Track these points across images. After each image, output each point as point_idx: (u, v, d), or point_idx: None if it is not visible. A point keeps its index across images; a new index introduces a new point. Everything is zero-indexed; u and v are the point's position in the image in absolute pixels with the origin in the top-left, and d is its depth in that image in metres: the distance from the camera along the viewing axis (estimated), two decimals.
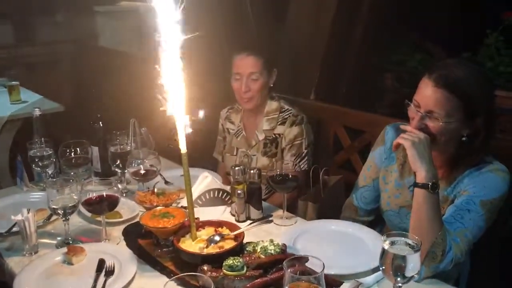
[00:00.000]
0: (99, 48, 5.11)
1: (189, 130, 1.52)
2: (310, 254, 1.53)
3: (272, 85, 2.43)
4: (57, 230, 1.80)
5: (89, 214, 1.84)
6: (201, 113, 1.51)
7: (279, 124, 2.41)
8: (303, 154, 2.38)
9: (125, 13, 5.11)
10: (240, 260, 1.42)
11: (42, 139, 2.13)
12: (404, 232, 1.32)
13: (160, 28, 1.41)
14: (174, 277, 1.31)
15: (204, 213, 1.84)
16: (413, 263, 1.25)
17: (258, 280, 1.38)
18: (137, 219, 1.81)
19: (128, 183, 2.17)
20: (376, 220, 1.93)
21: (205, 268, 1.42)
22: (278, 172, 1.90)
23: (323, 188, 2.23)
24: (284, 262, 1.23)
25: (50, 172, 2.14)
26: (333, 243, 1.70)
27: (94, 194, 1.68)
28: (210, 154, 2.72)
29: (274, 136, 2.41)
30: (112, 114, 2.79)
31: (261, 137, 2.43)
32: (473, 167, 1.61)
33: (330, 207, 2.12)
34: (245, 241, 1.59)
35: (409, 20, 3.33)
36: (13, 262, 1.60)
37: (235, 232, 1.60)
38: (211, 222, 1.67)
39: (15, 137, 3.50)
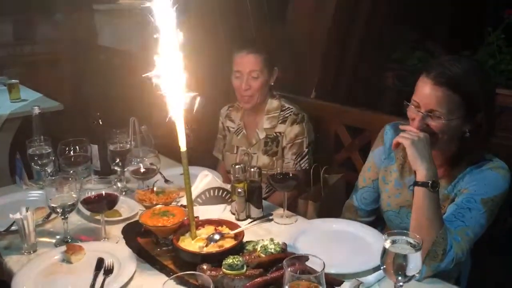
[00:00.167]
0: (99, 47, 5.09)
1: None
2: (311, 253, 1.52)
3: (272, 84, 2.42)
4: (56, 228, 1.79)
5: (88, 213, 1.83)
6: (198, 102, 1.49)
7: (280, 123, 2.39)
8: (304, 153, 2.37)
9: (125, 12, 5.10)
10: (240, 259, 1.41)
11: (42, 137, 2.12)
12: (405, 231, 1.31)
13: (157, 26, 1.40)
14: (173, 276, 1.30)
15: (204, 212, 1.82)
16: (414, 262, 1.24)
17: (258, 279, 1.37)
18: (136, 218, 1.80)
19: (127, 182, 2.16)
20: (376, 220, 1.91)
21: (205, 267, 1.41)
22: (279, 171, 1.89)
23: (323, 187, 2.22)
24: (284, 261, 1.22)
25: (49, 170, 2.13)
26: (333, 242, 1.69)
27: (93, 193, 1.67)
28: (210, 153, 2.71)
29: (275, 134, 2.40)
30: (112, 112, 2.79)
31: (261, 135, 2.42)
32: (474, 165, 1.60)
33: (330, 206, 2.12)
34: (245, 240, 1.58)
35: (409, 18, 3.32)
36: (11, 261, 1.59)
37: (235, 231, 1.59)
38: (211, 221, 1.66)
39: (15, 136, 3.49)
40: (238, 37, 3.33)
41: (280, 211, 1.92)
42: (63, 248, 1.59)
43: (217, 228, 1.63)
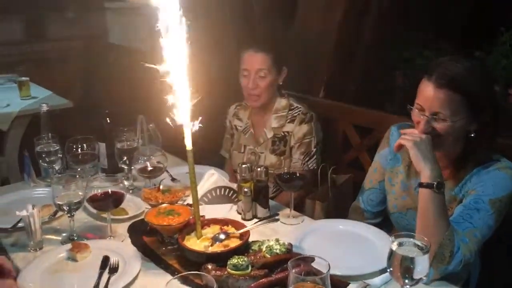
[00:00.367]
0: (109, 45, 5.12)
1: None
2: (317, 253, 1.51)
3: (281, 83, 2.40)
4: (63, 226, 1.80)
5: (95, 211, 1.83)
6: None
7: (288, 122, 2.38)
8: (312, 153, 2.35)
9: (135, 10, 5.11)
10: (245, 259, 1.40)
11: (49, 134, 2.13)
12: (412, 233, 1.29)
13: (164, 24, 1.40)
14: (177, 276, 1.29)
15: (210, 211, 1.82)
16: (422, 265, 1.22)
17: (263, 280, 1.36)
18: (142, 216, 1.79)
19: (134, 180, 2.16)
20: (383, 222, 1.89)
21: (210, 266, 1.40)
22: (286, 171, 1.88)
23: (331, 187, 2.20)
24: (289, 262, 1.21)
25: (57, 168, 2.14)
26: (340, 243, 1.67)
27: (100, 191, 1.66)
28: (217, 152, 2.71)
29: (283, 134, 2.39)
30: (120, 110, 2.79)
31: (269, 134, 2.41)
32: (481, 165, 1.58)
33: (338, 206, 2.10)
34: (250, 239, 1.57)
35: (420, 17, 3.28)
36: (18, 258, 1.59)
37: (241, 231, 1.58)
38: (216, 220, 1.65)
39: (24, 133, 3.51)
40: (247, 36, 3.32)
41: (287, 211, 1.90)
42: (69, 246, 1.59)
43: (222, 227, 1.62)
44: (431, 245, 1.32)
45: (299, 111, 2.37)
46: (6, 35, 4.88)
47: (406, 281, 1.23)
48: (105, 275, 1.47)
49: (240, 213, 1.87)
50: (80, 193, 1.67)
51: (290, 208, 1.87)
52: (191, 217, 1.58)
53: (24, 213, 1.61)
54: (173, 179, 2.17)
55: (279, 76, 2.37)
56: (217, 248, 1.50)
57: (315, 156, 2.36)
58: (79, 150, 2.09)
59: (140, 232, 1.71)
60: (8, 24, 4.92)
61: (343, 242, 1.68)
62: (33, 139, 2.11)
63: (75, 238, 1.69)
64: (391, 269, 1.25)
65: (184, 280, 1.35)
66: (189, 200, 1.80)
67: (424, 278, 1.24)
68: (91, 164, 2.16)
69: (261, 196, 1.84)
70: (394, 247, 1.26)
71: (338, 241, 1.68)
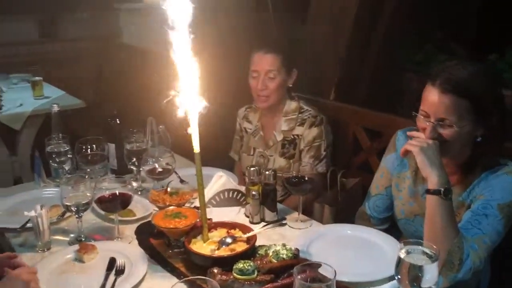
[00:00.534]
0: (121, 45, 5.15)
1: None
2: (324, 259, 1.49)
3: (291, 85, 2.39)
4: (71, 227, 1.80)
5: (103, 212, 1.84)
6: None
7: (298, 125, 2.36)
8: (322, 156, 2.34)
9: (148, 10, 5.13)
10: (251, 264, 1.39)
11: (60, 135, 2.14)
12: (421, 241, 1.27)
13: (172, 24, 1.39)
14: (182, 280, 1.28)
15: (218, 214, 1.81)
16: (431, 274, 1.20)
17: (269, 285, 1.35)
18: (150, 218, 1.79)
19: (143, 181, 2.16)
20: (390, 228, 1.87)
21: (215, 271, 1.39)
22: (294, 174, 1.86)
23: (340, 191, 2.19)
24: (294, 268, 1.19)
25: (67, 168, 2.15)
26: (348, 248, 1.65)
27: (107, 192, 1.67)
28: (227, 154, 2.70)
29: (292, 137, 2.37)
30: (130, 111, 2.80)
31: (279, 137, 2.40)
32: (489, 170, 1.55)
33: (347, 211, 2.07)
34: (258, 243, 1.56)
35: (433, 20, 3.24)
36: (25, 258, 1.59)
37: (247, 235, 1.57)
38: (223, 224, 1.64)
39: (37, 132, 3.54)
40: (258, 37, 3.31)
41: (295, 215, 1.89)
42: (76, 247, 1.59)
43: (229, 231, 1.61)
44: (440, 253, 1.29)
45: (309, 114, 2.35)
46: (21, 35, 4.94)
47: None
48: (112, 276, 1.47)
49: (248, 216, 1.86)
50: (88, 194, 1.67)
51: (298, 212, 1.85)
52: (198, 220, 1.57)
53: (32, 213, 1.61)
54: (181, 181, 2.17)
55: (289, 77, 2.36)
56: (224, 252, 1.50)
57: (324, 160, 2.34)
58: (89, 150, 2.10)
59: (147, 234, 1.71)
60: (23, 24, 4.97)
61: (351, 247, 1.66)
62: (44, 139, 2.13)
63: (83, 239, 1.70)
64: (399, 277, 1.23)
65: (189, 284, 1.34)
66: (197, 202, 1.79)
67: (433, 287, 1.22)
68: (101, 165, 2.16)
69: (269, 199, 1.83)
70: (402, 254, 1.24)
71: (346, 247, 1.66)
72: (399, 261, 1.23)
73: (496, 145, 1.56)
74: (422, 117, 1.56)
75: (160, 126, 2.36)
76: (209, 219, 1.70)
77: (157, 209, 1.80)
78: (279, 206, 1.91)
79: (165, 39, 1.42)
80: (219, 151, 2.78)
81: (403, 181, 1.77)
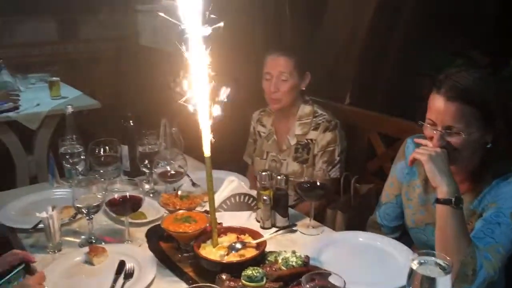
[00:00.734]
0: (139, 47, 5.18)
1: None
2: (335, 267, 1.47)
3: (304, 89, 2.37)
4: (82, 228, 1.81)
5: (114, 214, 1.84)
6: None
7: (312, 129, 2.34)
8: (335, 162, 2.31)
9: (166, 12, 5.15)
10: (260, 270, 1.37)
11: (73, 136, 2.15)
12: (434, 252, 1.23)
13: (186, 26, 1.39)
14: (190, 287, 1.27)
15: (229, 218, 1.80)
16: (444, 286, 1.16)
17: None
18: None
19: (155, 184, 2.16)
20: (401, 237, 1.83)
21: (224, 277, 1.38)
22: (306, 179, 1.84)
23: (354, 197, 2.15)
24: (303, 277, 1.17)
25: (80, 169, 2.16)
26: (360, 256, 1.62)
27: (117, 195, 1.66)
28: (240, 157, 2.69)
29: (306, 141, 2.35)
30: (145, 113, 2.81)
31: (292, 142, 2.38)
32: (500, 177, 1.51)
33: (360, 217, 2.04)
34: (268, 249, 1.54)
35: (452, 24, 3.18)
36: (36, 259, 1.59)
37: (257, 241, 1.55)
38: (233, 229, 1.63)
39: (53, 132, 3.58)
40: (274, 41, 3.29)
41: (306, 220, 1.86)
42: (87, 249, 1.59)
43: (239, 236, 1.60)
44: (453, 264, 1.26)
45: (324, 118, 2.33)
46: (40, 36, 5.00)
47: None
48: (120, 280, 1.47)
49: (259, 221, 1.84)
50: (99, 196, 1.67)
51: (310, 218, 1.83)
52: (207, 225, 1.56)
53: (44, 214, 1.62)
54: (193, 184, 2.16)
55: (301, 81, 2.34)
56: (233, 257, 1.48)
57: (338, 165, 2.31)
58: (102, 152, 2.10)
59: (157, 238, 1.70)
60: (43, 24, 5.03)
61: (363, 255, 1.62)
62: (58, 140, 2.15)
63: (93, 241, 1.70)
64: None
65: None
66: (208, 206, 1.78)
67: None
68: (114, 166, 2.17)
69: (281, 204, 1.81)
70: (414, 266, 1.20)
71: (358, 255, 1.63)
72: (411, 272, 1.19)
73: (506, 151, 1.52)
74: (429, 125, 1.53)
75: (173, 128, 2.36)
76: (220, 223, 1.69)
77: (168, 212, 1.79)
78: (291, 211, 1.89)
79: (181, 40, 1.42)
80: (235, 154, 2.77)
81: (413, 190, 1.74)
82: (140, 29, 5.36)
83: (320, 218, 2.03)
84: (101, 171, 2.13)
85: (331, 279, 1.22)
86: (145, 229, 1.80)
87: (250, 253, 1.50)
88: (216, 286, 1.23)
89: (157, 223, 1.82)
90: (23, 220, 1.82)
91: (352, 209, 2.10)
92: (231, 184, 1.92)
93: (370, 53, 2.99)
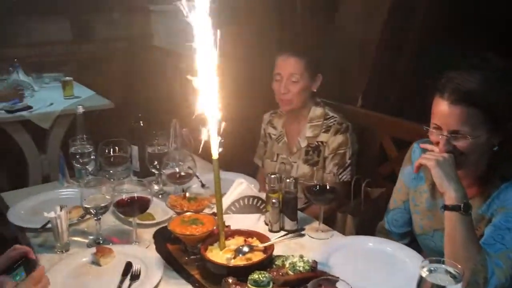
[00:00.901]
0: (151, 47, 5.19)
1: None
2: (343, 272, 1.45)
3: (315, 90, 2.34)
4: (91, 229, 1.80)
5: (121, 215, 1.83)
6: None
7: (322, 132, 2.32)
8: (346, 164, 2.28)
9: (179, 13, 5.16)
10: (266, 275, 1.35)
11: (84, 136, 2.15)
12: (444, 259, 1.20)
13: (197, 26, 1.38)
14: None
15: (237, 221, 1.78)
16: None
17: None
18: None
19: (164, 185, 2.15)
20: (410, 244, 1.79)
21: (230, 280, 1.36)
22: (316, 182, 1.81)
23: (364, 201, 2.12)
24: (310, 283, 1.15)
25: (90, 169, 2.16)
26: (369, 262, 1.59)
27: (126, 196, 1.66)
28: (251, 159, 2.67)
29: (316, 143, 2.32)
30: (156, 113, 2.81)
31: (303, 144, 2.35)
32: (509, 180, 1.48)
33: (371, 222, 2.01)
34: (276, 253, 1.52)
35: (470, 25, 3.12)
36: (44, 259, 1.60)
37: (265, 244, 1.53)
38: (241, 232, 1.61)
39: (66, 132, 3.60)
40: (287, 42, 3.27)
41: (315, 224, 1.84)
42: (94, 249, 1.59)
43: (247, 239, 1.58)
44: (464, 272, 1.23)
45: (335, 120, 2.30)
46: (55, 36, 5.04)
47: None
48: (127, 281, 1.46)
49: (267, 224, 1.83)
50: (107, 197, 1.67)
51: (319, 221, 1.81)
52: (214, 228, 1.55)
53: (52, 214, 1.62)
54: (203, 185, 2.16)
55: (313, 82, 2.31)
56: (240, 261, 1.46)
57: (349, 168, 2.28)
58: (111, 152, 2.10)
59: (165, 239, 1.70)
60: (58, 24, 5.07)
61: (373, 261, 1.60)
62: (68, 140, 2.15)
63: (101, 242, 1.69)
64: None
65: None
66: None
67: None
68: (124, 166, 2.17)
69: (289, 208, 1.79)
70: (424, 273, 1.17)
71: (367, 260, 1.60)
72: (421, 280, 1.17)
73: None
74: (434, 130, 1.50)
75: (184, 129, 2.36)
76: (228, 226, 1.68)
77: (176, 213, 1.78)
78: (300, 215, 1.87)
79: (192, 41, 1.41)
80: (245, 156, 2.75)
81: (420, 195, 1.70)
82: (153, 29, 5.38)
83: (330, 222, 2.00)
84: (111, 171, 2.13)
85: (339, 285, 1.20)
86: (153, 230, 1.80)
87: (257, 256, 1.48)
88: None
89: (165, 224, 1.82)
90: (32, 220, 1.83)
91: (362, 214, 2.07)
92: (240, 187, 1.90)
93: (384, 54, 2.95)
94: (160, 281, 1.47)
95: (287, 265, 1.42)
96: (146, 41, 5.30)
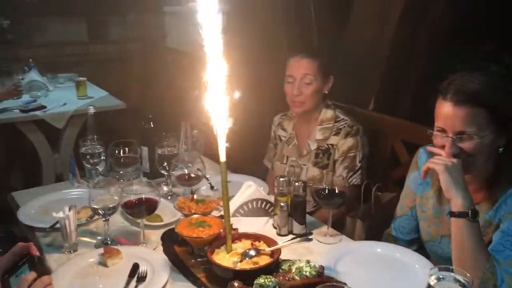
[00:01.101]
0: (165, 48, 5.21)
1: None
2: (351, 278, 1.44)
3: (326, 92, 2.32)
4: (99, 229, 1.81)
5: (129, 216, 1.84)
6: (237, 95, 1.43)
7: (333, 134, 2.29)
8: (357, 168, 2.26)
9: (193, 14, 5.17)
10: (272, 279, 1.34)
11: (94, 136, 2.16)
12: (453, 267, 1.18)
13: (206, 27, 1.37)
14: None
15: (245, 224, 1.78)
16: None
17: None
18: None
19: (174, 186, 2.16)
20: (418, 251, 1.76)
21: (236, 284, 1.35)
22: (325, 186, 1.80)
23: (374, 206, 2.09)
24: None
25: (100, 169, 2.18)
26: (377, 268, 1.56)
27: (134, 197, 1.66)
28: (261, 161, 2.66)
29: (327, 146, 2.30)
30: (167, 114, 2.81)
31: (313, 146, 2.33)
32: None
33: (381, 227, 1.98)
34: (283, 257, 1.51)
35: (484, 27, 3.07)
36: (52, 259, 1.61)
37: (272, 248, 1.52)
38: (248, 235, 1.60)
39: (79, 132, 3.63)
40: (298, 43, 3.25)
41: (324, 228, 1.82)
42: (101, 250, 1.59)
43: (254, 243, 1.57)
44: (473, 281, 1.20)
45: (345, 123, 2.28)
46: (70, 36, 5.10)
47: None
48: (133, 283, 1.46)
49: (276, 228, 1.81)
50: (116, 197, 1.68)
51: (328, 226, 1.79)
52: (221, 230, 1.54)
53: (60, 214, 1.63)
54: (212, 187, 2.15)
55: (325, 84, 2.29)
56: (246, 264, 1.45)
57: (359, 171, 2.26)
58: (121, 153, 2.11)
59: (172, 241, 1.69)
60: (72, 25, 5.13)
61: (381, 267, 1.57)
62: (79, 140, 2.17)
63: (109, 243, 1.70)
64: None
65: None
66: None
67: None
68: (134, 167, 2.18)
69: (298, 211, 1.77)
70: (432, 281, 1.16)
71: (375, 266, 1.58)
72: None
73: None
74: (439, 134, 1.48)
75: (195, 131, 2.36)
76: (235, 229, 1.67)
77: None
78: (309, 218, 1.85)
79: (202, 42, 1.41)
80: (255, 158, 2.74)
81: (427, 201, 1.67)
82: (167, 30, 5.40)
83: (339, 226, 1.98)
84: (121, 172, 2.14)
85: None
86: (161, 231, 1.79)
87: (264, 260, 1.47)
88: None
89: (173, 226, 1.81)
90: (42, 219, 1.84)
91: (372, 219, 2.04)
92: (248, 189, 1.89)
93: (397, 56, 2.91)
94: (166, 283, 1.47)
95: (293, 270, 1.41)
96: (160, 42, 5.33)
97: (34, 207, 1.96)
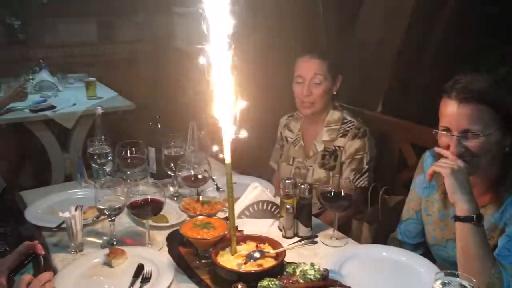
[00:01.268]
0: (173, 49, 5.23)
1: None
2: (355, 282, 1.43)
3: (335, 93, 2.31)
4: (105, 229, 1.82)
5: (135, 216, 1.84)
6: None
7: (340, 136, 2.28)
8: (364, 170, 2.24)
9: (201, 15, 5.17)
10: (276, 282, 1.34)
11: (102, 137, 2.17)
12: (458, 272, 1.16)
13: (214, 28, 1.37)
14: None
15: (251, 225, 1.77)
16: None
17: None
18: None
19: (180, 187, 2.16)
20: (424, 255, 1.75)
21: (240, 286, 1.35)
22: (331, 189, 1.79)
23: (381, 209, 2.08)
24: None
25: (107, 170, 2.19)
26: (383, 272, 1.55)
27: (139, 198, 1.67)
28: (267, 162, 2.65)
29: (333, 148, 2.29)
30: (174, 115, 2.82)
31: (320, 148, 2.32)
32: None
33: (388, 231, 1.97)
34: (288, 259, 1.50)
35: (497, 26, 3.03)
36: (58, 259, 1.62)
37: (276, 251, 1.51)
38: (253, 237, 1.60)
39: (88, 132, 3.66)
40: (306, 44, 3.24)
41: (330, 231, 1.81)
42: (107, 250, 1.60)
43: (258, 245, 1.56)
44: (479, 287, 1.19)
45: (352, 125, 2.27)
46: (81, 37, 5.14)
47: None
48: (137, 284, 1.46)
49: (281, 230, 1.81)
50: (122, 198, 1.68)
51: (334, 228, 1.78)
52: (226, 232, 1.54)
53: (66, 214, 1.64)
54: (218, 189, 2.15)
55: (334, 84, 2.28)
56: (250, 267, 1.45)
57: (366, 174, 2.24)
58: (128, 154, 2.12)
59: (177, 242, 1.69)
60: (83, 26, 5.17)
61: (386, 271, 1.56)
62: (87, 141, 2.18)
63: (114, 243, 1.70)
64: None
65: None
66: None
67: None
68: (140, 168, 2.19)
69: (304, 214, 1.77)
70: (437, 287, 1.14)
71: (381, 270, 1.56)
72: None
73: None
74: (443, 133, 1.46)
75: (202, 132, 2.36)
76: (240, 230, 1.67)
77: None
78: (315, 221, 1.84)
79: (208, 42, 1.41)
80: (263, 159, 2.74)
81: (432, 204, 1.66)
82: (176, 31, 5.42)
83: (346, 229, 1.97)
84: (128, 172, 2.15)
85: None
86: (166, 232, 1.80)
87: (269, 263, 1.46)
88: None
89: (178, 227, 1.82)
90: (49, 219, 1.85)
91: (379, 222, 2.03)
92: (254, 191, 1.89)
93: (405, 58, 2.89)
94: (170, 284, 1.47)
95: (297, 273, 1.40)
96: (169, 43, 5.35)
97: (41, 207, 1.98)
